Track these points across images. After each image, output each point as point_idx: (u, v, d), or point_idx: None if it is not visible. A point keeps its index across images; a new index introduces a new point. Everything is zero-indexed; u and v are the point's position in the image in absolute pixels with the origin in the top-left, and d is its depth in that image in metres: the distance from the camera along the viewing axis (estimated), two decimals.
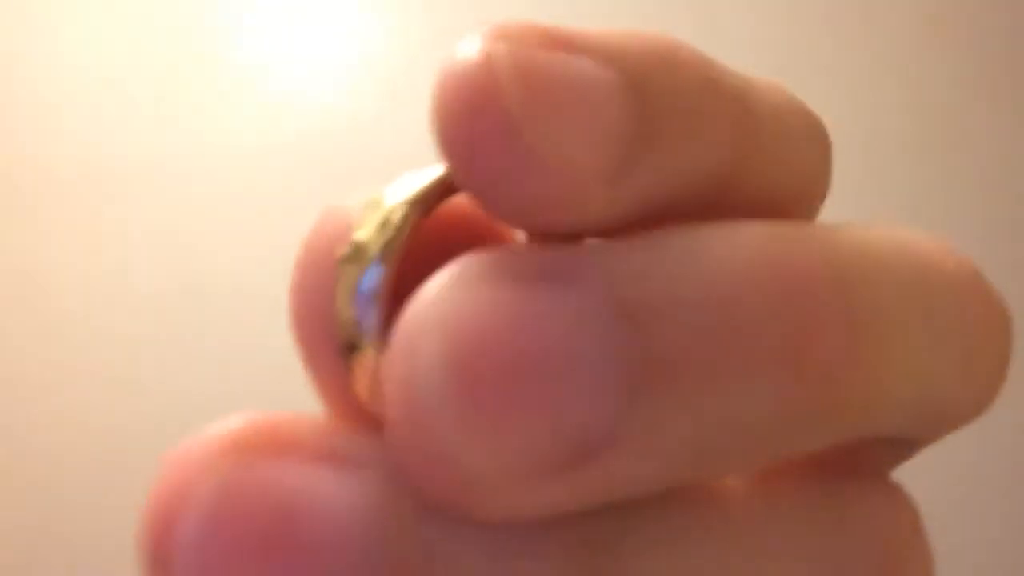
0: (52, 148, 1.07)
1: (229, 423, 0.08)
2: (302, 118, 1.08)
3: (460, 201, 0.10)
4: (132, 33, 1.09)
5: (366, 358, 0.08)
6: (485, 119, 0.07)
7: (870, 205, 1.06)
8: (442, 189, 0.08)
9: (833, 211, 1.05)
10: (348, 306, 0.08)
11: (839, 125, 1.07)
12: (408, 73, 1.09)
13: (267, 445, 0.07)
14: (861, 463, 0.10)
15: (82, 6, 1.09)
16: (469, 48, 0.08)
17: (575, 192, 0.08)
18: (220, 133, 1.07)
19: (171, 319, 1.01)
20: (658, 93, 0.08)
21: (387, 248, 0.08)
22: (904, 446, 0.10)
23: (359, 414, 0.09)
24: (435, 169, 0.09)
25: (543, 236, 0.08)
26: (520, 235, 0.10)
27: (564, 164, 0.08)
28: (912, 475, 1.00)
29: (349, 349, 0.08)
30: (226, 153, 1.07)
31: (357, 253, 0.08)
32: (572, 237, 0.08)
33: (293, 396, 1.00)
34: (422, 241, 0.10)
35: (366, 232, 0.08)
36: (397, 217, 0.08)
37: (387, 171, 1.06)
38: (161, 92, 1.08)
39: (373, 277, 0.08)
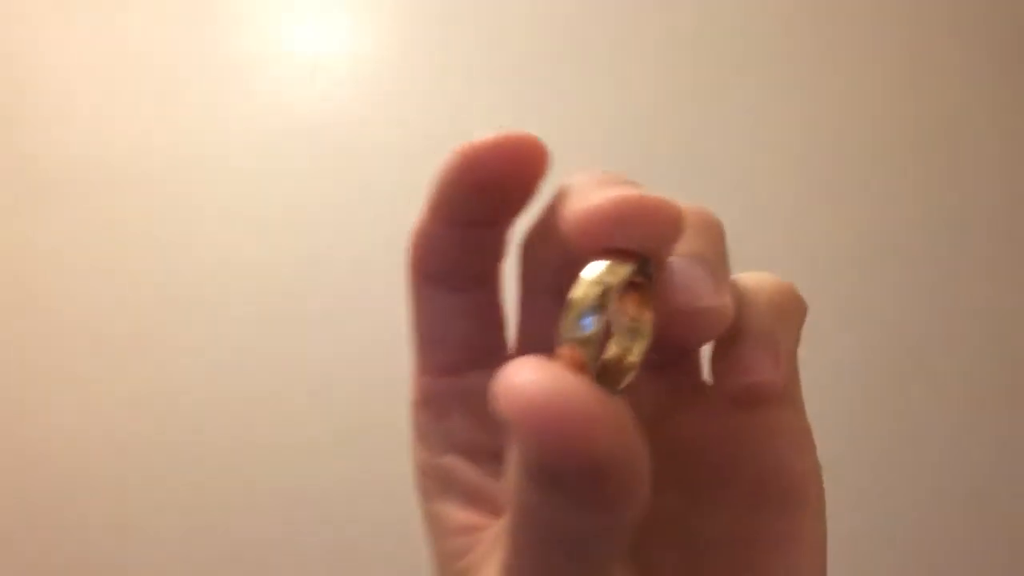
0: (50, 150, 1.07)
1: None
2: (301, 116, 1.08)
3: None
4: (130, 35, 1.10)
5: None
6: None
7: (879, 205, 1.06)
8: (630, 280, 0.15)
9: (840, 211, 1.05)
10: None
11: (848, 128, 1.08)
12: (403, 69, 1.09)
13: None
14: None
15: (82, 7, 1.09)
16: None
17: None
18: (220, 132, 1.07)
19: (172, 318, 1.02)
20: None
21: (599, 313, 0.14)
22: None
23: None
24: (625, 267, 0.15)
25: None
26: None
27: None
28: (916, 474, 1.01)
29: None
30: (226, 152, 1.07)
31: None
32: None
33: (296, 394, 1.00)
34: None
35: (587, 292, 0.14)
36: (605, 291, 0.14)
37: (383, 166, 1.07)
38: (159, 93, 1.08)
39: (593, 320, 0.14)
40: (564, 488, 0.13)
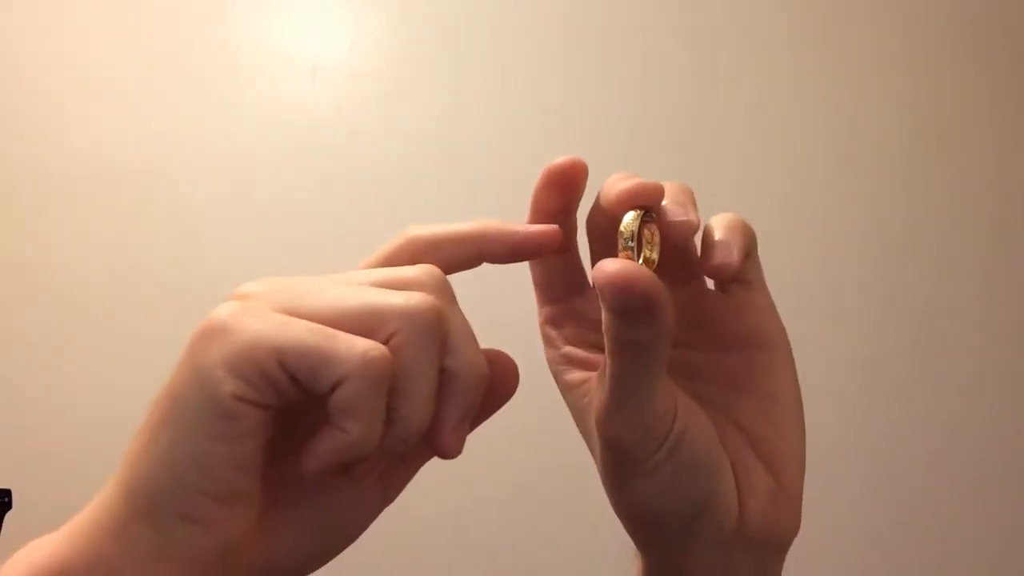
0: (52, 148, 1.07)
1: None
2: (301, 116, 1.08)
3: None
4: (132, 34, 1.10)
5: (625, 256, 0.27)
6: None
7: (878, 205, 1.06)
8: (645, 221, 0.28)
9: (840, 211, 1.06)
10: (625, 245, 0.27)
11: (848, 127, 1.08)
12: (402, 68, 1.09)
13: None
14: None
15: (82, 7, 1.10)
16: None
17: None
18: (220, 132, 1.08)
19: (173, 317, 1.02)
20: None
21: (634, 234, 0.27)
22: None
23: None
24: (638, 213, 0.28)
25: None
26: None
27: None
28: (919, 471, 1.01)
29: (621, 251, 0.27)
30: (225, 152, 1.07)
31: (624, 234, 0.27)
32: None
33: None
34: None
35: (626, 226, 0.27)
36: (635, 224, 0.27)
37: (382, 165, 1.07)
38: (160, 93, 1.09)
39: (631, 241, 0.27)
40: (629, 314, 0.25)
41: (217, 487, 0.24)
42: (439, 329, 0.25)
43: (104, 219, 1.06)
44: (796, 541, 0.30)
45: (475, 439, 0.28)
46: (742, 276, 0.31)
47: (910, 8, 1.09)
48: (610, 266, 0.25)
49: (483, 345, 0.27)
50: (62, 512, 0.28)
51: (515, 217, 0.31)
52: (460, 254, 0.29)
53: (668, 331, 0.26)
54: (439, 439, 0.25)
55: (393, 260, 0.29)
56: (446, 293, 0.26)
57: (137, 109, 1.08)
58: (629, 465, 0.28)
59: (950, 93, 1.08)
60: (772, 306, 0.31)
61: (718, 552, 0.29)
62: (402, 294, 0.25)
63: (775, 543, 0.30)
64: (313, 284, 0.26)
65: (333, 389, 0.23)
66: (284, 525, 0.27)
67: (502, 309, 1.05)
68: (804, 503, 0.30)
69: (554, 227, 0.29)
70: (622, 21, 1.09)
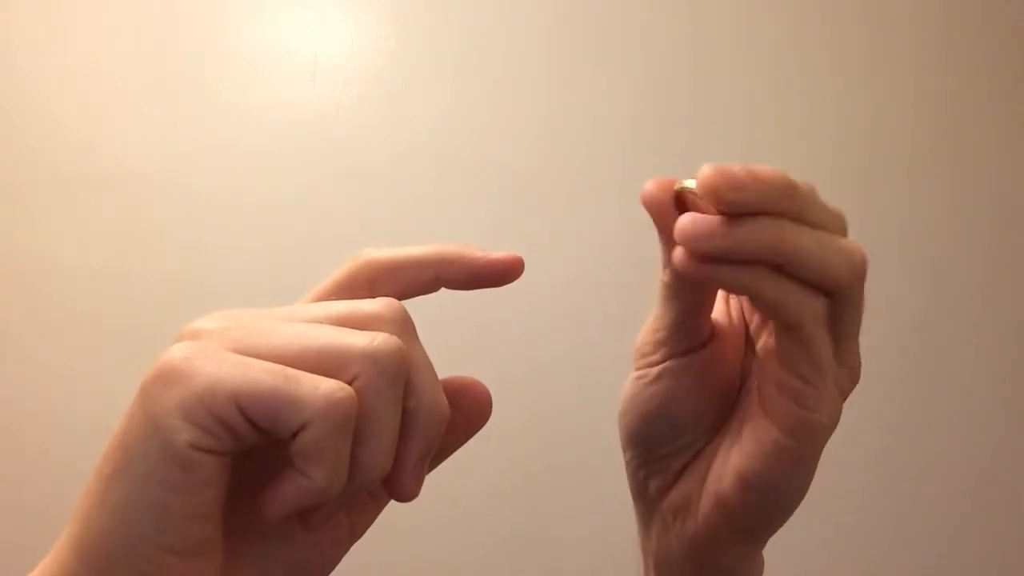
0: (52, 148, 1.07)
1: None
2: (301, 116, 1.08)
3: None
4: (132, 35, 1.10)
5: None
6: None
7: (878, 205, 1.06)
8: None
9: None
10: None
11: (848, 125, 1.08)
12: (402, 68, 1.09)
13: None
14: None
15: (82, 7, 1.10)
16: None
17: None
18: (220, 132, 1.08)
19: (173, 316, 1.02)
20: None
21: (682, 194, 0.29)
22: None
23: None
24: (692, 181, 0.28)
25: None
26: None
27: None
28: (922, 472, 1.01)
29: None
30: (226, 152, 1.07)
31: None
32: None
33: None
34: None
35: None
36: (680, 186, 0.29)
37: (382, 165, 1.07)
38: (160, 93, 1.09)
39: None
40: (656, 224, 0.28)
41: (176, 541, 0.22)
42: (403, 371, 0.23)
43: (104, 219, 1.06)
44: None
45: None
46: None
47: (911, 7, 1.09)
48: (650, 183, 0.28)
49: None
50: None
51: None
52: (418, 278, 0.27)
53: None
54: (397, 482, 0.24)
55: (349, 285, 0.27)
56: (408, 329, 0.24)
57: (137, 109, 1.08)
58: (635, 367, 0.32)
59: (951, 93, 1.08)
60: (821, 395, 0.28)
61: (659, 521, 0.32)
62: (365, 334, 0.23)
63: (713, 543, 0.31)
64: (269, 321, 0.24)
65: (296, 433, 0.22)
66: (247, 572, 0.25)
67: (492, 312, 1.05)
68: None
69: (516, 256, 0.27)
70: (621, 22, 1.09)
